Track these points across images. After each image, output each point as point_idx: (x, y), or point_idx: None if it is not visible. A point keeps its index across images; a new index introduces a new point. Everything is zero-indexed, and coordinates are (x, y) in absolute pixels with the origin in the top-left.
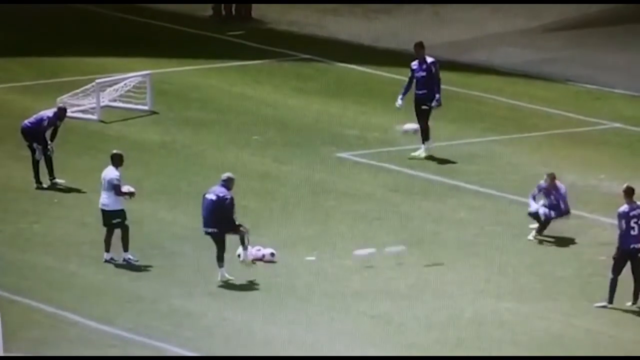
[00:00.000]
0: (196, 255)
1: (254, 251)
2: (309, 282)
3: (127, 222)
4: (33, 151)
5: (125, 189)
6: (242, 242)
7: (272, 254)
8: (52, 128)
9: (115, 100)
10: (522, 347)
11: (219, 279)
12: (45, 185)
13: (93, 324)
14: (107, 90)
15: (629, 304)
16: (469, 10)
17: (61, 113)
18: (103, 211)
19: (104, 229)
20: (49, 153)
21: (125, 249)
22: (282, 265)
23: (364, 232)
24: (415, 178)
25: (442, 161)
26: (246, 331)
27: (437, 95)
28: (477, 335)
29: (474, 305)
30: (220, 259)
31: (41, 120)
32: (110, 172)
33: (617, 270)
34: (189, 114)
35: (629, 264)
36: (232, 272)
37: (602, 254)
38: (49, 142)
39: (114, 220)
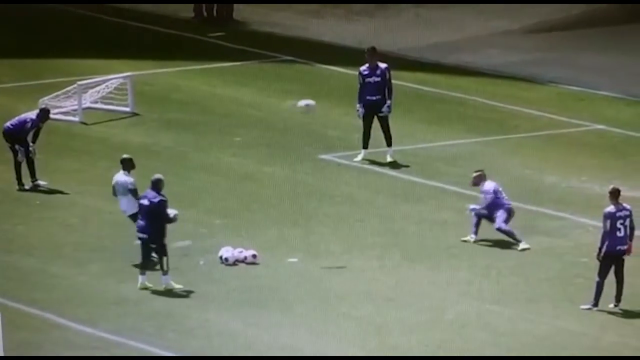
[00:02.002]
0: (179, 256)
1: (236, 252)
2: (291, 284)
3: None
4: (15, 153)
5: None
6: (162, 266)
7: (254, 256)
8: (35, 130)
9: (96, 102)
10: (505, 349)
11: (137, 286)
12: (27, 187)
13: (76, 325)
14: (89, 92)
15: (612, 305)
16: (452, 11)
17: (44, 115)
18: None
19: (87, 231)
20: (30, 155)
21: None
22: (264, 266)
23: (346, 234)
24: (398, 180)
25: (425, 163)
26: (228, 333)
27: (388, 102)
28: (460, 337)
29: (456, 307)
30: (142, 267)
31: (24, 122)
32: (122, 177)
33: (603, 273)
34: (171, 116)
35: None
36: (214, 274)
37: (584, 255)
38: (31, 143)
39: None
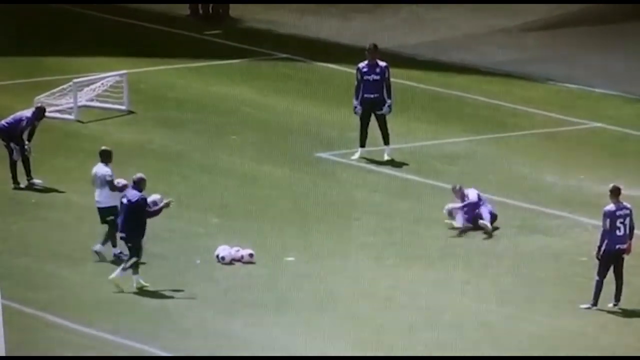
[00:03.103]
0: (175, 256)
1: (232, 251)
2: (288, 283)
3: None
4: (10, 151)
5: (116, 182)
6: (126, 261)
7: (251, 255)
8: (30, 128)
9: (92, 100)
10: (503, 349)
11: (134, 285)
12: (22, 186)
13: (72, 325)
14: (84, 90)
15: (611, 305)
16: (449, 9)
17: (39, 113)
18: (98, 208)
19: (83, 230)
20: (26, 153)
21: (114, 245)
22: (260, 266)
23: (343, 233)
24: (395, 178)
25: (422, 161)
26: (225, 332)
27: (388, 101)
28: (458, 336)
29: (454, 306)
30: (133, 266)
31: (20, 120)
32: (101, 169)
33: (602, 272)
34: (166, 114)
35: None
36: (211, 273)
37: (583, 254)
38: (27, 142)
39: (107, 217)
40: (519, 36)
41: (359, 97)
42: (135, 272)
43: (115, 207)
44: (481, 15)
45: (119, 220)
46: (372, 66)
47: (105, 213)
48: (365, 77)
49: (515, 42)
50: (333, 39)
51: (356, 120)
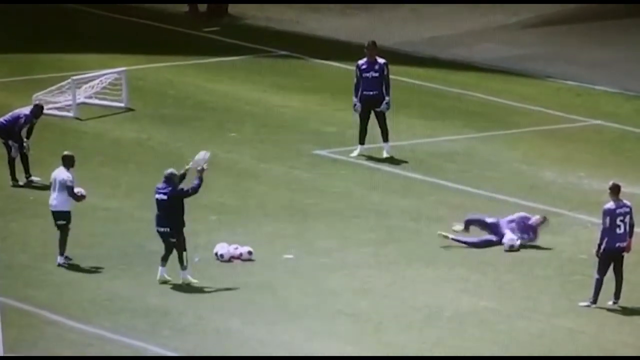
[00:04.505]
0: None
1: (231, 249)
2: (287, 281)
3: (70, 226)
4: (9, 149)
5: (76, 190)
6: (180, 261)
7: (250, 252)
8: (29, 125)
9: (91, 97)
10: (503, 347)
11: (157, 278)
12: (21, 183)
13: (70, 322)
14: (83, 87)
15: (610, 303)
16: (448, 6)
17: (37, 110)
18: (51, 212)
19: (81, 227)
20: (24, 150)
21: (61, 253)
22: (259, 263)
23: (342, 230)
24: (394, 175)
25: (421, 159)
26: (223, 330)
27: (386, 98)
28: (457, 334)
29: (453, 304)
30: (164, 259)
31: (17, 117)
32: (62, 173)
33: (602, 270)
34: (165, 111)
35: None
36: (209, 270)
37: (582, 252)
38: (25, 139)
39: (58, 221)
40: (518, 33)
41: (359, 95)
42: (163, 264)
43: (68, 212)
44: (480, 12)
45: (158, 217)
46: (371, 63)
47: (58, 217)
48: (364, 75)
49: (515, 39)
50: (332, 36)
51: (355, 118)
